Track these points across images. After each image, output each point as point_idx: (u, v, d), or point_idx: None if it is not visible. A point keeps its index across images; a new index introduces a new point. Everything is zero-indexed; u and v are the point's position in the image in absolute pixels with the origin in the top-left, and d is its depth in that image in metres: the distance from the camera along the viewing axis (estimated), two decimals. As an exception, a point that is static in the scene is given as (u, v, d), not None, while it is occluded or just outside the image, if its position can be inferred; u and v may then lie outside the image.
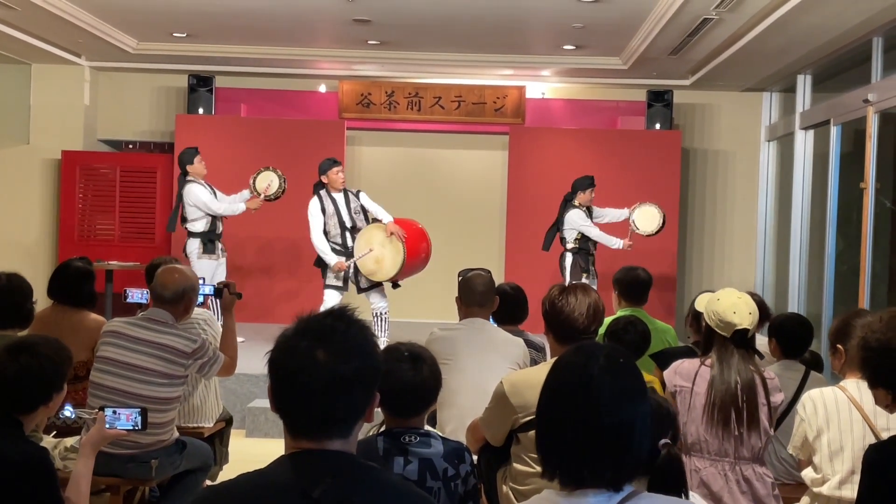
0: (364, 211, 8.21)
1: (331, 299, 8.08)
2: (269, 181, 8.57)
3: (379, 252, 7.92)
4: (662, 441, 2.54)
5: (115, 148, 11.31)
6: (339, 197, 8.16)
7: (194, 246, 8.50)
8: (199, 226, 8.49)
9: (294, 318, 1.90)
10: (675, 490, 2.30)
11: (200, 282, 4.85)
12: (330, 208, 8.09)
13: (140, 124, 11.30)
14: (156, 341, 4.25)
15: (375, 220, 8.12)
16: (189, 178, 8.52)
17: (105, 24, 9.33)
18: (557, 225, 8.86)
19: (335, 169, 8.14)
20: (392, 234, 7.86)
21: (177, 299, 4.38)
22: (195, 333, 4.47)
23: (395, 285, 8.20)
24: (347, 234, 8.09)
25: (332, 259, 7.99)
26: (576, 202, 8.78)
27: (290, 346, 1.85)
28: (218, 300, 5.08)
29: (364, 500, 1.78)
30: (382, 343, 7.36)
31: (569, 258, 8.76)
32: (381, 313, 8.12)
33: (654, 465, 2.40)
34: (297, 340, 1.84)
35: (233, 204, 8.57)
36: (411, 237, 7.97)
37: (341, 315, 1.89)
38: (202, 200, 8.42)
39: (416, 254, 8.02)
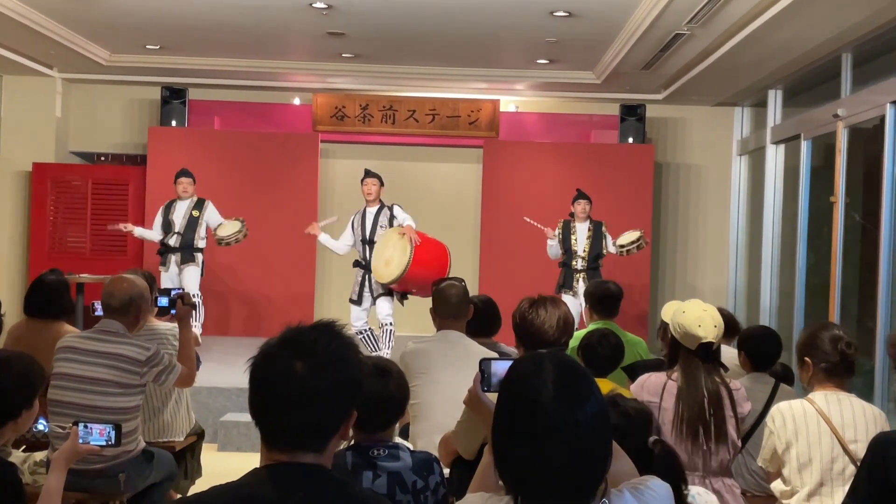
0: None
1: (352, 314, 8.29)
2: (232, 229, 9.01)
3: (390, 253, 7.91)
4: (652, 439, 2.54)
5: (86, 160, 11.23)
6: (371, 211, 8.26)
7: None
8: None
9: (282, 327, 1.89)
10: (675, 483, 2.27)
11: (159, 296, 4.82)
12: (357, 220, 8.31)
13: (112, 136, 11.24)
14: (109, 352, 4.22)
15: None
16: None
17: (77, 36, 9.29)
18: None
19: (363, 180, 8.36)
20: (404, 234, 7.86)
21: (125, 308, 4.34)
22: (151, 342, 4.43)
23: (403, 298, 8.18)
24: (367, 248, 8.19)
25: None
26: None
27: (270, 354, 1.85)
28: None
29: None
30: (385, 355, 7.40)
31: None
32: (384, 323, 8.20)
33: (652, 463, 2.41)
34: (279, 350, 1.84)
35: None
36: (428, 252, 7.88)
37: (326, 329, 1.89)
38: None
39: (425, 266, 7.78)
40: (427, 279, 7.74)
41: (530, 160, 10.78)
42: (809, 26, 7.26)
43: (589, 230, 8.96)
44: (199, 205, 9.03)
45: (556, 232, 8.99)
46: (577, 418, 1.74)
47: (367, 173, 8.40)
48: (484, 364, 2.41)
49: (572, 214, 9.04)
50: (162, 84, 10.73)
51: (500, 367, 2.41)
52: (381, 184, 8.39)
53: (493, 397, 2.35)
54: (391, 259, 7.88)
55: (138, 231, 9.20)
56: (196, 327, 8.76)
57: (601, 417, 1.78)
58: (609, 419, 1.81)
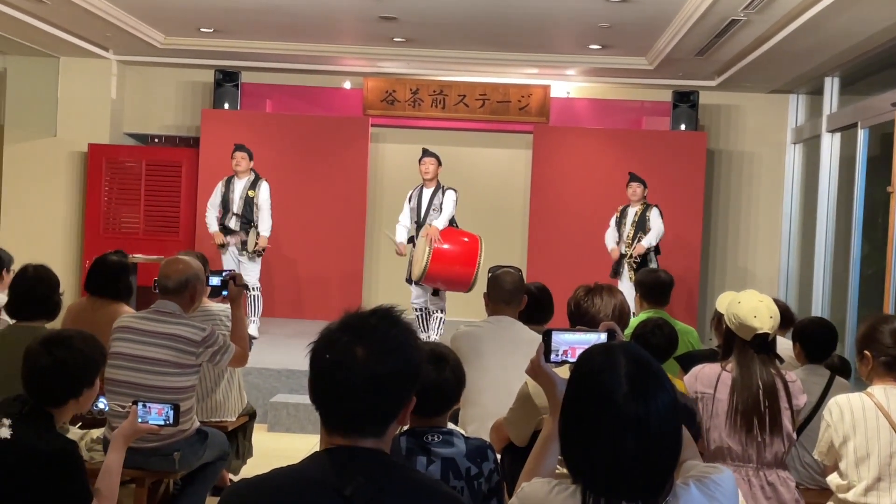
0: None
1: (412, 292, 8.42)
2: None
3: (419, 254, 8.02)
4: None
5: (140, 142, 11.37)
6: (428, 192, 8.35)
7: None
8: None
9: (342, 312, 1.90)
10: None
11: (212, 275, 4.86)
12: (415, 197, 8.43)
13: (166, 118, 11.36)
14: (165, 332, 4.28)
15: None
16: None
17: (133, 19, 9.38)
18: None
19: (421, 159, 8.43)
20: (426, 236, 7.95)
21: (181, 289, 4.40)
22: (206, 323, 4.48)
23: (435, 292, 8.27)
24: (418, 229, 8.32)
25: (397, 239, 8.52)
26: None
27: (331, 339, 1.85)
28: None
29: (395, 499, 1.79)
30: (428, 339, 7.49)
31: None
32: (432, 312, 8.32)
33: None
34: (339, 334, 1.85)
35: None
36: (449, 252, 7.99)
37: (386, 315, 1.89)
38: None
39: (446, 263, 7.99)
40: (449, 277, 8.00)
41: (581, 146, 10.72)
42: (869, 13, 7.13)
43: (636, 214, 8.93)
44: (255, 184, 8.85)
45: (615, 217, 9.09)
46: (649, 412, 1.75)
47: (425, 152, 8.51)
48: (547, 335, 2.41)
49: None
50: (215, 67, 10.81)
51: (563, 340, 2.41)
52: (439, 163, 8.49)
53: (561, 373, 2.35)
54: (418, 259, 8.08)
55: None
56: (253, 322, 8.76)
57: (672, 409, 1.79)
58: (679, 410, 1.80)
